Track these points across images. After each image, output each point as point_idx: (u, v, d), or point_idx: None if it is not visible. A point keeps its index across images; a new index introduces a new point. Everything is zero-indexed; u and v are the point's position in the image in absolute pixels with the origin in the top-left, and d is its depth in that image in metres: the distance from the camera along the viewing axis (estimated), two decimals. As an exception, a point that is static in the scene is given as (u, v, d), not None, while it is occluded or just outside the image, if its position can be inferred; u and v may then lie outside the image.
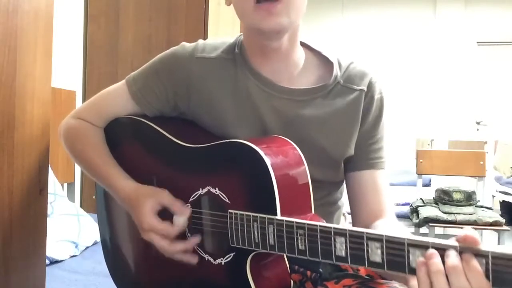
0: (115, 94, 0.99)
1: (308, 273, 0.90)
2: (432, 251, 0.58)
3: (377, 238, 0.61)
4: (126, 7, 2.31)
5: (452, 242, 0.58)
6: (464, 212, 2.64)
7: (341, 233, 0.64)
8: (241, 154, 0.77)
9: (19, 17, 0.94)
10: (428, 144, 5.27)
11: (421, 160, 3.02)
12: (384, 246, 0.61)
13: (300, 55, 0.92)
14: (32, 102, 1.00)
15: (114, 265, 1.05)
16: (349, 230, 0.64)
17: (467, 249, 0.56)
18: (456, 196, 2.73)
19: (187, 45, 0.95)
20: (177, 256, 0.83)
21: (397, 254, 0.60)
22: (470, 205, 2.71)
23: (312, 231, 0.67)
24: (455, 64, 5.97)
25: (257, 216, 0.72)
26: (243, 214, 0.74)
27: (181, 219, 0.82)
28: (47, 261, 1.36)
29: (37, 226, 1.05)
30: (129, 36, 2.31)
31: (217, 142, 0.82)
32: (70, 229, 1.62)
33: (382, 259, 0.61)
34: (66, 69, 2.23)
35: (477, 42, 5.97)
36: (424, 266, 0.58)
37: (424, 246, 0.58)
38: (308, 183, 0.78)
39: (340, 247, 0.64)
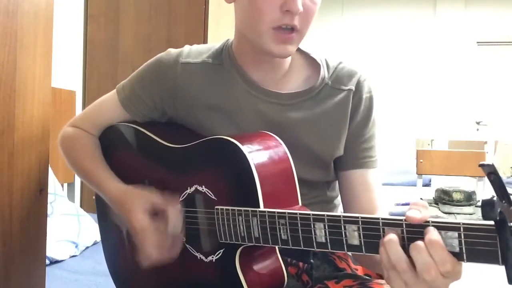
0: (107, 102, 1.01)
1: (300, 264, 0.90)
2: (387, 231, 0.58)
3: (354, 220, 0.62)
4: (126, 7, 2.31)
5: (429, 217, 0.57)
6: (464, 212, 2.65)
7: (319, 218, 0.64)
8: (222, 150, 0.78)
9: (19, 17, 0.94)
10: (428, 144, 5.27)
11: (421, 160, 3.02)
12: (361, 228, 0.61)
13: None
14: (32, 102, 1.00)
15: (113, 265, 1.06)
16: (327, 215, 0.64)
17: (438, 226, 0.55)
18: (456, 196, 2.73)
19: (172, 51, 0.96)
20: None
21: (373, 235, 0.60)
22: (470, 205, 2.71)
23: (292, 219, 0.67)
24: (455, 64, 5.97)
25: (241, 210, 0.73)
26: (228, 209, 0.75)
27: (174, 220, 0.80)
28: (47, 261, 1.36)
29: (37, 226, 1.05)
30: (129, 36, 2.31)
31: (201, 140, 0.83)
32: (70, 229, 1.62)
33: (360, 241, 0.61)
34: (66, 69, 2.23)
35: (477, 42, 5.97)
36: (383, 245, 0.58)
37: (398, 225, 0.58)
38: (293, 175, 0.78)
39: (320, 233, 0.64)
